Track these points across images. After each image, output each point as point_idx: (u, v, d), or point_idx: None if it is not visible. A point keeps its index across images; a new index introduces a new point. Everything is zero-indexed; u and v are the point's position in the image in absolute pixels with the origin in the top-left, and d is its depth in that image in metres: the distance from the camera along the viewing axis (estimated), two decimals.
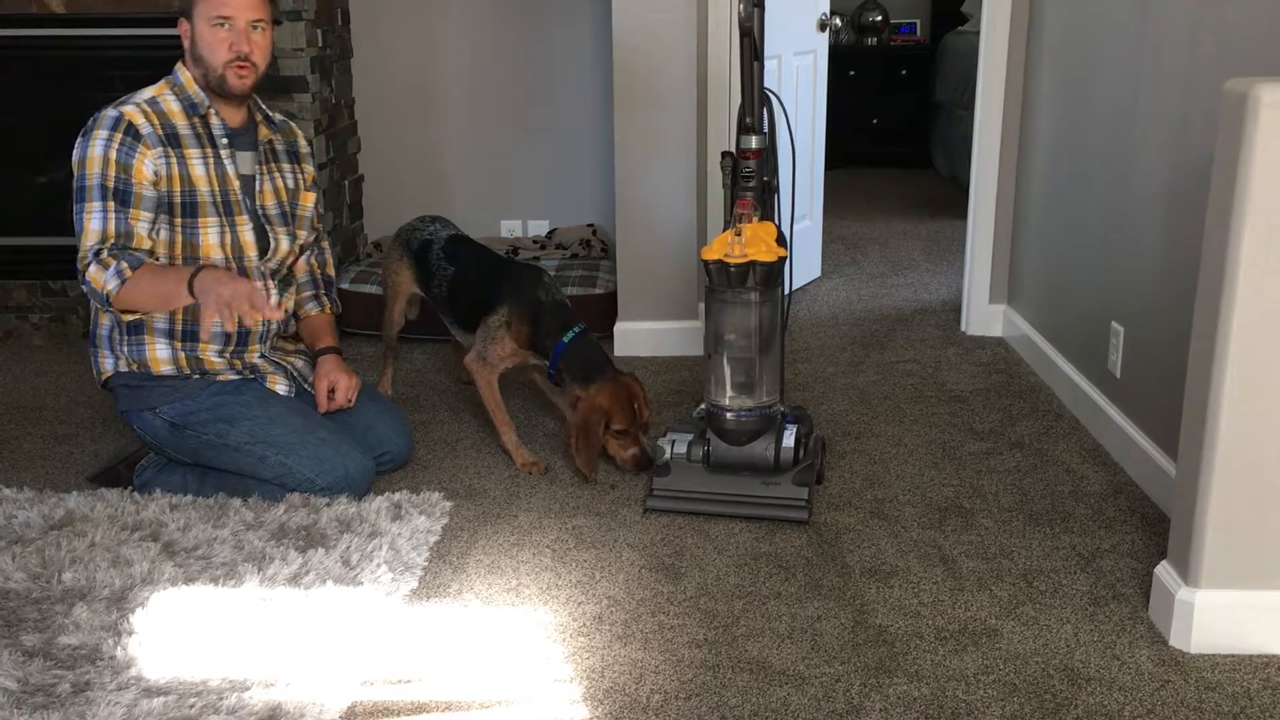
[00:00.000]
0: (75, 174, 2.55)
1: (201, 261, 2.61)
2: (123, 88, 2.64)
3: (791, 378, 3.55)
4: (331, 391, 2.79)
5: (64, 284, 3.99)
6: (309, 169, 2.89)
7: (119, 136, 2.53)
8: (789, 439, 2.64)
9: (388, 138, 4.45)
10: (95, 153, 2.52)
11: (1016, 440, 3.07)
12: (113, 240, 2.52)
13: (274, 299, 2.72)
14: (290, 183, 2.82)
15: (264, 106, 2.79)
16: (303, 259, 2.91)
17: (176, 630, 2.12)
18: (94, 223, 2.51)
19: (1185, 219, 2.51)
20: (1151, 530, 2.55)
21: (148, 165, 2.54)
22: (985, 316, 3.98)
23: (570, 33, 4.33)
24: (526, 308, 2.89)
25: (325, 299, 2.96)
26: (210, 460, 2.69)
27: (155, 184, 2.56)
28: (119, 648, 2.05)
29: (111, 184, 2.52)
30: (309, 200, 2.88)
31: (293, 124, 2.91)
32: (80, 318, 4.01)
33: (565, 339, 2.84)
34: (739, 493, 2.64)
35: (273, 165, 2.78)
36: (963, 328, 4.04)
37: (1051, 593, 2.30)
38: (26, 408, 3.41)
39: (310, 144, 3.80)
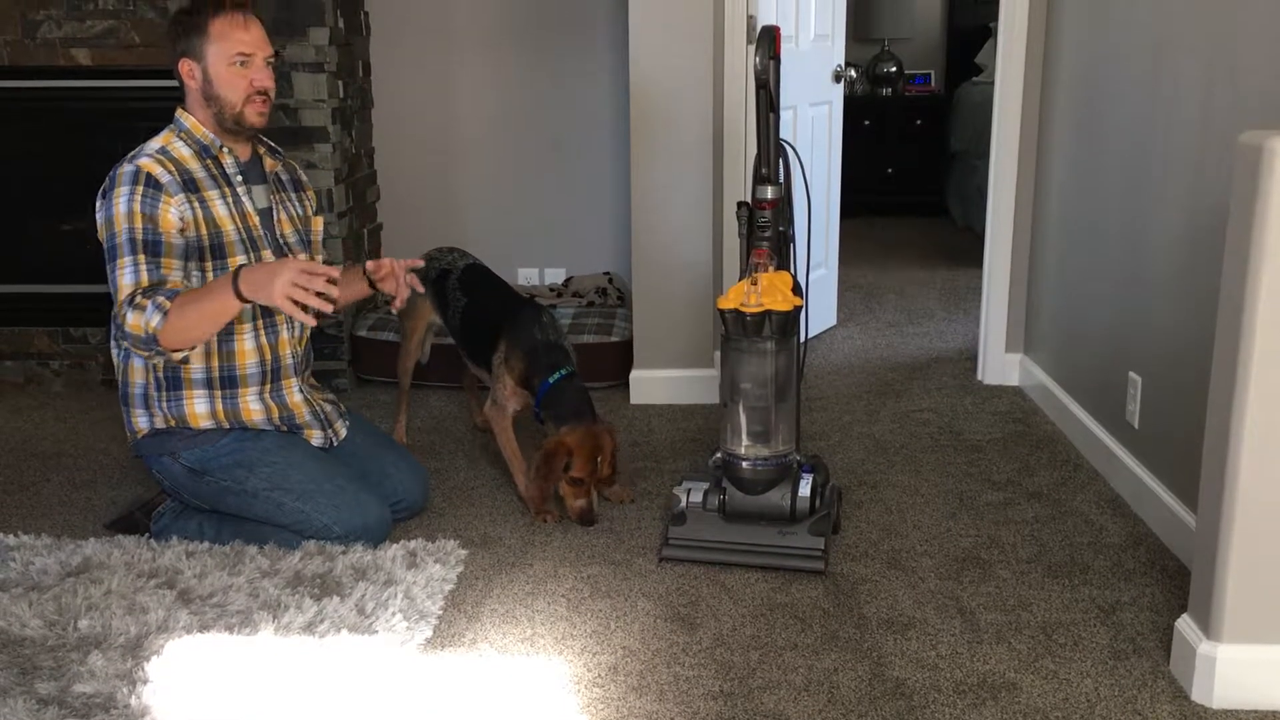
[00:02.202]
0: (104, 236, 2.53)
1: None
2: (146, 137, 2.68)
3: (807, 426, 3.55)
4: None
5: (84, 331, 4.03)
6: (311, 194, 2.91)
7: (140, 189, 2.51)
8: (805, 488, 2.64)
9: (406, 187, 4.49)
10: (120, 210, 2.50)
11: (1034, 490, 3.05)
12: (144, 287, 2.47)
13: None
14: (300, 210, 2.84)
15: (265, 139, 2.80)
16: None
17: (191, 679, 2.12)
18: (126, 277, 2.47)
19: (1202, 269, 2.51)
20: (1172, 582, 2.52)
21: (173, 213, 2.52)
22: (1001, 365, 3.97)
23: (588, 83, 4.38)
24: (522, 346, 2.91)
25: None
26: (228, 506, 2.70)
27: (182, 231, 2.54)
28: (133, 696, 2.05)
29: (140, 236, 2.49)
30: (319, 225, 2.90)
31: (289, 159, 2.92)
32: (100, 365, 4.04)
33: (551, 379, 2.85)
34: (755, 542, 2.62)
35: (283, 195, 2.80)
36: (979, 377, 4.03)
37: (1071, 646, 2.27)
38: (46, 454, 3.42)
39: (330, 193, 3.86)
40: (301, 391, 2.79)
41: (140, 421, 2.69)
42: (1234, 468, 1.97)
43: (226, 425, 2.68)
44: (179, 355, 2.51)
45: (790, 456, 2.66)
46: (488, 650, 2.29)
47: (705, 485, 2.70)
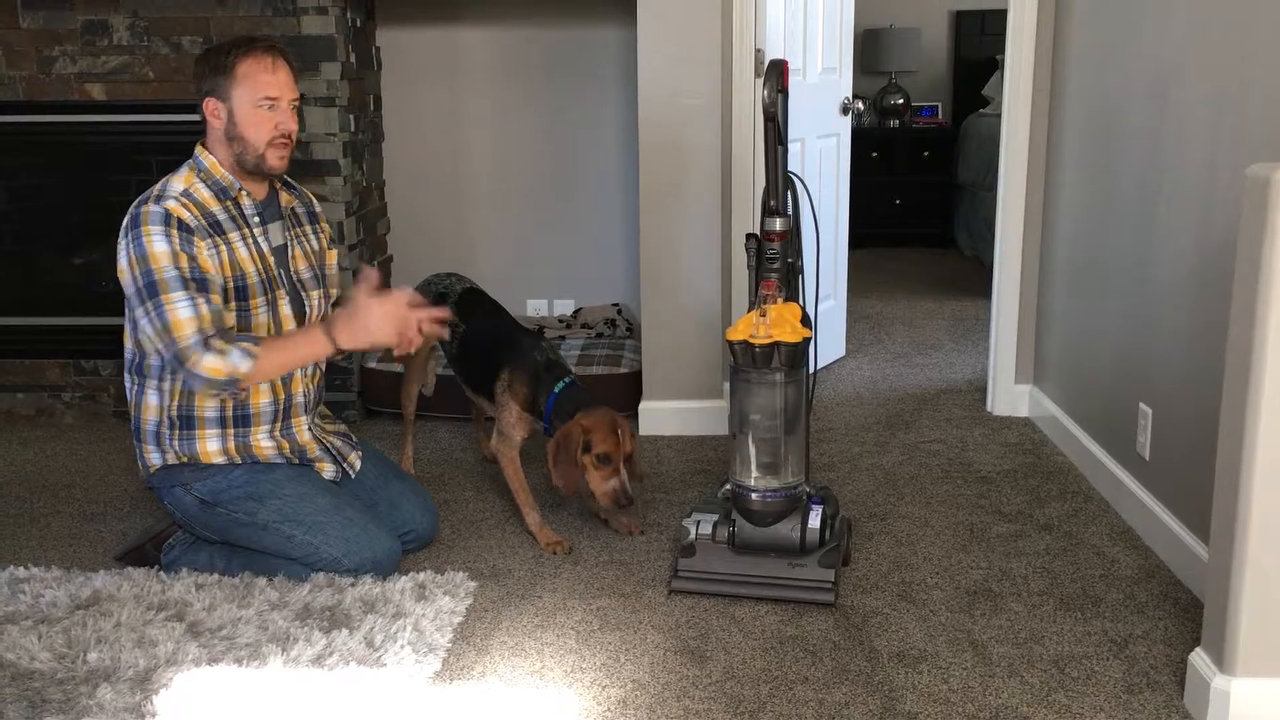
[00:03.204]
0: (137, 271, 2.49)
1: None
2: (159, 171, 2.69)
3: (816, 458, 3.54)
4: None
5: (96, 363, 4.04)
6: (325, 226, 2.92)
7: (174, 231, 2.49)
8: (815, 520, 2.63)
9: (417, 219, 4.52)
10: (157, 248, 2.48)
11: (1045, 522, 3.04)
12: (210, 325, 2.47)
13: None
14: (315, 244, 2.85)
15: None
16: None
17: (200, 712, 2.11)
18: (184, 312, 2.45)
19: (1211, 300, 2.51)
20: (1185, 616, 2.50)
21: (205, 255, 2.53)
22: (1011, 397, 3.96)
23: (597, 116, 4.41)
24: (525, 370, 2.93)
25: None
26: (238, 539, 2.70)
27: (218, 272, 2.56)
28: None
29: (187, 273, 2.48)
30: (333, 258, 2.90)
31: (305, 190, 2.93)
32: (112, 396, 4.05)
33: (556, 390, 2.87)
34: (764, 574, 2.62)
35: (298, 230, 2.80)
36: (988, 408, 4.02)
37: (1084, 680, 2.26)
38: (57, 486, 3.43)
39: (341, 225, 3.88)
40: (310, 430, 2.80)
41: (152, 457, 2.70)
42: (1246, 500, 1.96)
43: (239, 460, 2.69)
44: (210, 404, 2.63)
45: (800, 488, 2.66)
46: (496, 683, 2.28)
47: (715, 517, 2.69)
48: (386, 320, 2.52)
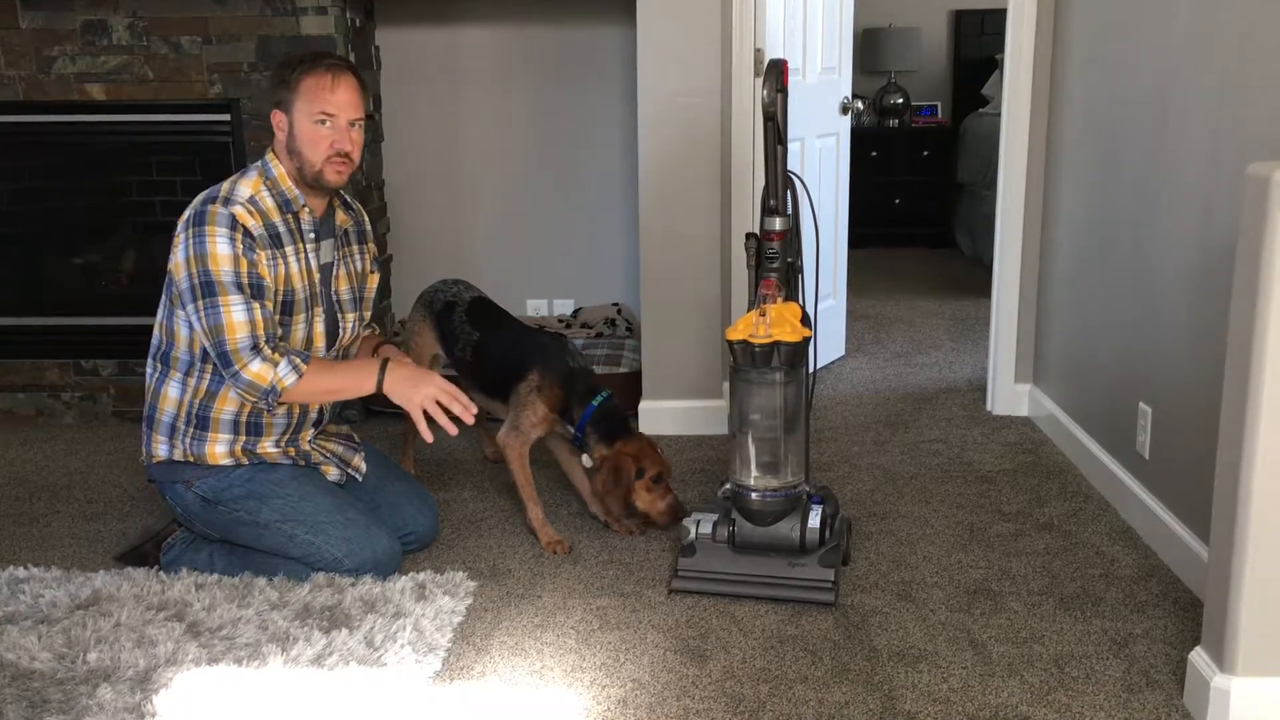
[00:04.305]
0: (195, 269, 2.50)
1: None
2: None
3: (816, 457, 3.54)
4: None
5: (95, 364, 4.04)
6: (372, 247, 2.91)
7: (240, 236, 2.51)
8: (815, 519, 2.63)
9: (416, 219, 4.51)
10: (220, 250, 2.49)
11: (1045, 522, 3.04)
12: (263, 333, 2.50)
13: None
14: (360, 266, 2.85)
15: (342, 193, 2.80)
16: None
17: (200, 712, 2.11)
18: (239, 315, 2.48)
19: (1212, 299, 2.51)
20: (1185, 615, 2.50)
21: (265, 265, 2.55)
22: (1011, 396, 3.96)
23: (596, 115, 4.41)
24: (557, 373, 2.94)
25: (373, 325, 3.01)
26: (238, 537, 2.70)
27: (272, 283, 2.57)
28: None
29: (246, 280, 2.50)
30: (373, 281, 2.90)
31: (359, 204, 2.93)
32: (111, 397, 4.05)
33: (594, 402, 2.90)
34: (764, 574, 2.62)
35: (346, 250, 2.81)
36: (988, 407, 4.02)
37: (1084, 679, 2.26)
38: (56, 486, 3.43)
39: None
40: (312, 442, 2.81)
41: (160, 449, 2.71)
42: (1246, 499, 1.96)
43: (245, 462, 2.70)
44: (240, 409, 2.65)
45: (799, 488, 2.66)
46: (496, 683, 2.28)
47: (715, 516, 2.69)
48: (432, 398, 2.54)
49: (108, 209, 4.08)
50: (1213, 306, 2.49)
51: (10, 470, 3.58)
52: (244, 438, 2.69)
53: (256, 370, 2.49)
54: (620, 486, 2.84)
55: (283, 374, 2.50)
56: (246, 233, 2.53)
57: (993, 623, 2.49)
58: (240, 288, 2.50)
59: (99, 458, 3.68)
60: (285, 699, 2.16)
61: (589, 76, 4.38)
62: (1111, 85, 3.18)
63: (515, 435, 2.97)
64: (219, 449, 2.68)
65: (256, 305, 2.51)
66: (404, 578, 2.66)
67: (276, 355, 2.51)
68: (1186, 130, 2.69)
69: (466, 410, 2.56)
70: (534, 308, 4.59)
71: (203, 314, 2.50)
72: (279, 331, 2.59)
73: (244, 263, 2.51)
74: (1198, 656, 2.13)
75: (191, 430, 2.67)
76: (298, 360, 2.52)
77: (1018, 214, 3.83)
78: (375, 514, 2.78)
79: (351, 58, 3.95)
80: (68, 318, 4.11)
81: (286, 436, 2.74)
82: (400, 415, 3.59)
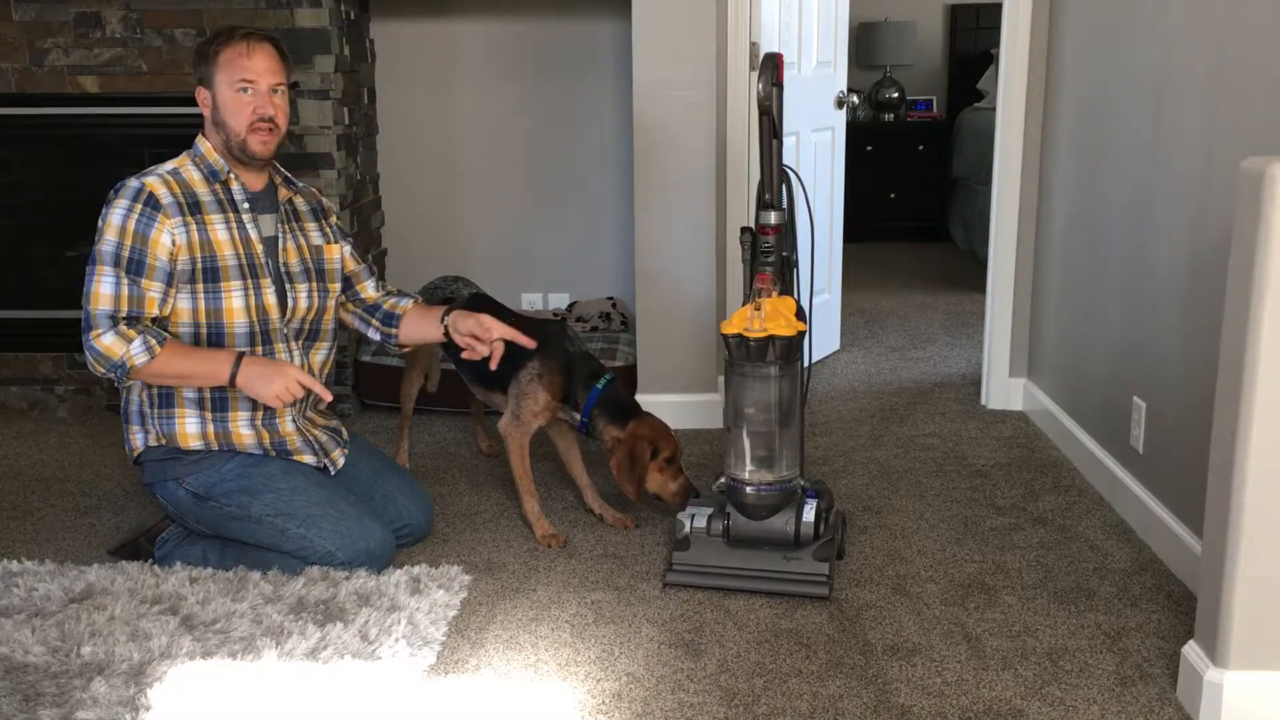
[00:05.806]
0: (96, 239, 2.59)
1: (225, 326, 2.64)
2: (152, 164, 2.69)
3: (811, 451, 3.54)
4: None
5: None
6: (333, 219, 2.92)
7: (139, 207, 2.57)
8: (809, 513, 2.63)
9: (411, 212, 4.51)
10: (114, 221, 2.56)
11: (1039, 516, 3.04)
12: (125, 309, 2.54)
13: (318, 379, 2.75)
14: (317, 239, 2.85)
15: (282, 170, 2.83)
16: (371, 287, 2.93)
17: (194, 706, 2.11)
18: (104, 287, 2.54)
19: (1206, 294, 2.52)
20: (1178, 609, 2.51)
21: (165, 236, 2.57)
22: (1005, 390, 3.97)
23: (591, 109, 4.41)
24: (558, 359, 2.93)
25: (406, 295, 2.99)
26: (231, 532, 2.70)
27: (172, 255, 2.58)
28: None
29: (127, 254, 2.55)
30: (333, 253, 2.89)
31: (312, 189, 2.94)
32: (105, 390, 4.04)
33: (599, 385, 2.90)
34: (759, 568, 2.62)
35: (294, 225, 2.81)
36: (983, 401, 4.03)
37: (1078, 673, 2.26)
38: (50, 480, 3.43)
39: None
40: (295, 421, 2.79)
41: (136, 438, 2.71)
42: (1239, 493, 1.96)
43: (216, 447, 2.69)
44: (156, 385, 2.66)
45: (794, 482, 2.66)
46: (491, 676, 2.28)
47: (709, 510, 2.70)
48: (287, 390, 2.56)
49: (101, 201, 4.06)
50: (1207, 301, 2.49)
51: (3, 464, 3.57)
52: (212, 414, 2.68)
53: (108, 343, 2.52)
54: (636, 469, 2.84)
55: (134, 351, 2.51)
56: (151, 200, 2.57)
57: (987, 616, 2.50)
58: (117, 260, 2.54)
59: (93, 451, 3.67)
60: (280, 692, 2.16)
61: (584, 70, 4.37)
62: (1107, 79, 3.19)
63: (516, 425, 2.96)
64: (190, 428, 2.68)
65: (127, 281, 2.54)
66: (398, 571, 2.66)
67: (132, 332, 2.53)
68: (1181, 125, 2.69)
69: (324, 394, 2.63)
70: (529, 301, 4.58)
71: (87, 279, 2.57)
72: (155, 312, 2.59)
73: (131, 236, 2.55)
74: (1191, 650, 2.13)
75: (157, 411, 2.68)
76: (153, 341, 2.53)
77: (1012, 208, 3.83)
78: (369, 507, 2.78)
79: (345, 50, 3.94)
80: (61, 311, 4.09)
81: (260, 415, 2.72)
82: (394, 409, 3.60)
